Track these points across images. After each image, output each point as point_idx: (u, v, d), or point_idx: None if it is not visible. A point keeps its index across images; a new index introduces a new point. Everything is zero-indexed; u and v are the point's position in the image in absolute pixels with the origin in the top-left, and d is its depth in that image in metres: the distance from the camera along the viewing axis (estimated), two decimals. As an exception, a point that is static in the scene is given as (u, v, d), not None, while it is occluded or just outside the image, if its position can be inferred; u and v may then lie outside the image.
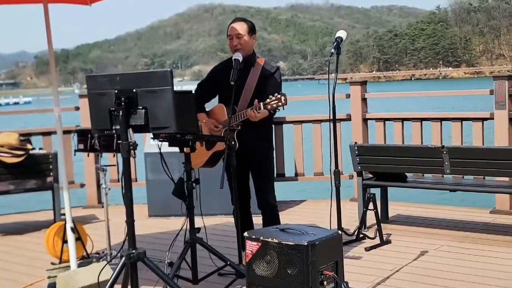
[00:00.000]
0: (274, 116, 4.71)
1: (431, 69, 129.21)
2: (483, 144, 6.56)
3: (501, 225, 6.02)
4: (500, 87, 6.45)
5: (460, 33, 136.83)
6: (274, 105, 4.31)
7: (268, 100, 4.32)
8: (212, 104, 4.82)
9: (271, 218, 4.74)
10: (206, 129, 4.66)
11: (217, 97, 4.85)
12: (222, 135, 4.50)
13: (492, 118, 6.56)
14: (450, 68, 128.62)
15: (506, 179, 6.03)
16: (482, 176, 6.08)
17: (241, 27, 4.61)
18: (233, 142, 4.36)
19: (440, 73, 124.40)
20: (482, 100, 7.55)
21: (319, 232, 3.69)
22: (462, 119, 6.81)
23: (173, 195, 4.29)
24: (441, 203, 7.43)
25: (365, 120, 7.45)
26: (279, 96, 4.30)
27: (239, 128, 4.51)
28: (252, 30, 4.66)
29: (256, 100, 4.37)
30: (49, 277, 4.74)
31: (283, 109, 4.38)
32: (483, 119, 6.67)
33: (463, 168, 5.60)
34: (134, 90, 3.57)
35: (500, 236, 5.60)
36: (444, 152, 5.52)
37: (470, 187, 5.86)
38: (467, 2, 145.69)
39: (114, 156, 6.51)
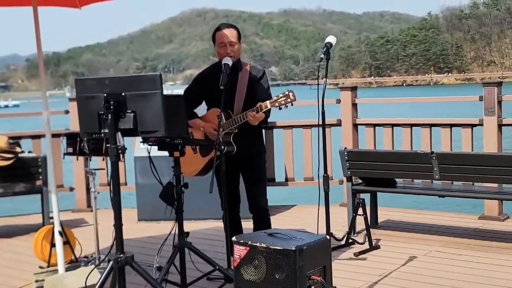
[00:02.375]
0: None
1: (426, 75, 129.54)
2: (472, 150, 6.59)
3: (489, 231, 6.04)
4: (489, 93, 6.48)
5: (452, 39, 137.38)
6: (283, 102, 4.31)
7: (275, 98, 4.33)
8: (202, 110, 4.81)
9: (262, 222, 4.73)
10: (201, 134, 4.64)
11: (203, 104, 4.84)
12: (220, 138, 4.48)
13: (481, 124, 6.59)
14: (441, 75, 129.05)
15: (495, 185, 6.05)
16: (471, 182, 6.10)
17: (232, 34, 4.60)
18: (223, 147, 4.35)
19: (431, 79, 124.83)
20: (472, 107, 7.58)
21: (307, 237, 3.69)
22: (451, 125, 6.84)
23: (160, 198, 4.28)
24: (430, 209, 7.45)
25: (355, 126, 7.47)
26: (287, 92, 4.31)
27: (236, 130, 4.51)
28: (240, 36, 4.71)
29: (260, 102, 4.38)
30: (37, 281, 4.73)
31: (292, 105, 4.37)
32: (472, 125, 6.69)
33: (452, 174, 5.62)
34: (123, 94, 3.56)
35: (489, 242, 5.62)
36: (433, 158, 5.54)
37: (459, 193, 5.88)
38: (458, 8, 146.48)
39: (103, 159, 6.49)
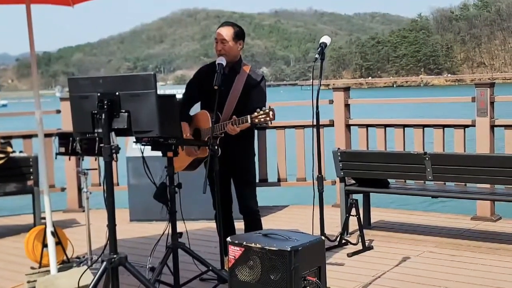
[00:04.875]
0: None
1: (416, 76, 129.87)
2: (464, 151, 6.60)
3: (482, 232, 6.05)
4: (482, 94, 6.50)
5: (442, 41, 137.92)
6: (262, 120, 4.27)
7: (256, 114, 4.28)
8: (195, 109, 4.80)
9: (253, 223, 4.72)
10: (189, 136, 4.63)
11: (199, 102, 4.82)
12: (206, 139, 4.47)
13: (474, 125, 6.61)
14: (431, 76, 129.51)
15: (487, 186, 6.07)
16: (463, 183, 6.11)
17: (227, 32, 4.58)
18: (216, 147, 4.33)
19: (422, 81, 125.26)
20: (463, 107, 7.61)
21: (302, 238, 3.68)
22: (444, 126, 6.85)
23: (155, 199, 4.26)
24: (423, 209, 7.46)
25: (348, 126, 7.46)
26: (267, 110, 4.25)
27: (223, 135, 4.49)
28: (238, 36, 4.61)
29: (234, 116, 4.36)
30: (28, 282, 4.69)
31: (271, 123, 4.35)
32: (464, 126, 6.71)
33: (445, 175, 5.63)
34: (117, 93, 3.54)
35: (481, 243, 5.64)
36: (426, 158, 5.54)
37: (451, 194, 5.89)
38: (448, 10, 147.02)
39: (95, 159, 6.47)
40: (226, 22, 4.70)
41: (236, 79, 4.60)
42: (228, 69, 4.54)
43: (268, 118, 4.25)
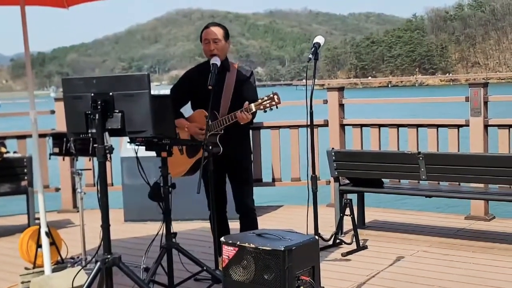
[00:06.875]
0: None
1: (410, 76, 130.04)
2: (458, 151, 6.61)
3: (476, 231, 6.07)
4: (475, 94, 6.51)
5: (436, 41, 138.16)
6: (267, 105, 4.30)
7: (260, 101, 4.31)
8: (186, 111, 4.79)
9: (249, 222, 4.72)
10: (186, 134, 4.62)
11: (189, 104, 4.81)
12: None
13: (468, 125, 6.63)
14: (426, 76, 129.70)
15: (481, 185, 6.08)
16: (457, 182, 6.13)
17: (218, 32, 4.59)
18: (210, 147, 4.33)
19: (417, 80, 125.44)
20: (458, 107, 7.62)
21: (296, 237, 3.68)
22: (438, 126, 6.87)
23: (149, 198, 4.25)
24: (417, 209, 7.48)
25: (342, 126, 7.48)
26: (271, 95, 4.29)
27: (222, 132, 4.50)
28: (227, 35, 4.67)
29: (247, 102, 4.37)
30: (22, 282, 4.68)
31: (277, 107, 4.35)
32: (458, 126, 6.72)
33: (439, 174, 5.64)
34: (111, 94, 3.53)
35: (476, 242, 5.65)
36: (420, 158, 5.56)
37: (445, 193, 5.90)
38: (443, 10, 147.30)
39: (90, 160, 6.46)
40: (211, 22, 4.71)
41: (227, 76, 4.62)
42: (219, 68, 4.54)
43: (273, 102, 4.28)
